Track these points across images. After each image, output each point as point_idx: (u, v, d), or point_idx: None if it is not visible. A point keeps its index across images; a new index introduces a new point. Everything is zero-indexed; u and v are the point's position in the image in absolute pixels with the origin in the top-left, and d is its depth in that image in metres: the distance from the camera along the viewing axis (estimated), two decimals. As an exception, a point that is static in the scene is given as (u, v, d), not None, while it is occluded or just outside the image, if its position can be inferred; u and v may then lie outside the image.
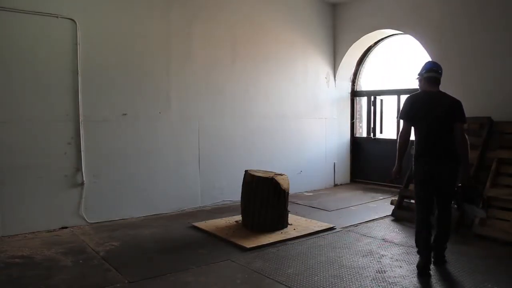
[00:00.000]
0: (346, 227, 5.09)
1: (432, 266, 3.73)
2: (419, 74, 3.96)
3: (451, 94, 6.22)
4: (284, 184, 4.88)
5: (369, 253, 4.17)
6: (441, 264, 3.84)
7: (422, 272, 3.62)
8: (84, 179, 5.08)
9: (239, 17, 6.45)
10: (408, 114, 3.82)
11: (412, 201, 5.61)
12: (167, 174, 5.77)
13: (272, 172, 5.15)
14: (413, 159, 3.81)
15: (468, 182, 3.72)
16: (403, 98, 7.21)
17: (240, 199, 5.11)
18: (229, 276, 3.59)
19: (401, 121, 3.96)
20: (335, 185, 7.89)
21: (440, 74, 3.90)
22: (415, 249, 3.83)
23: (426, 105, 3.78)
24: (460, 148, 3.65)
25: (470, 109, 5.69)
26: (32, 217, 4.76)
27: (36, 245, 4.36)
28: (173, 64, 5.78)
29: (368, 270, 3.74)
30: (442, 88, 6.50)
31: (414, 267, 3.82)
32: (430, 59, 6.29)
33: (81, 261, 3.91)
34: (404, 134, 3.82)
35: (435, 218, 3.81)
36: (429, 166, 3.69)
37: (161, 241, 4.55)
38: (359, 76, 8.13)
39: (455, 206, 3.89)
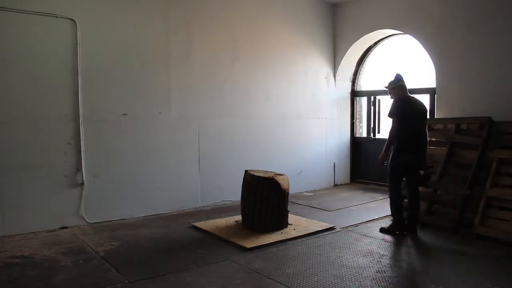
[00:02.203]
0: (346, 227, 5.09)
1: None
2: (392, 83, 4.90)
3: (451, 94, 6.40)
4: (284, 184, 4.88)
5: (369, 253, 4.17)
6: (415, 233, 4.74)
7: (395, 232, 4.75)
8: (84, 179, 5.09)
9: (239, 17, 6.45)
10: (401, 114, 4.66)
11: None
12: (167, 174, 5.77)
13: (272, 172, 5.15)
14: (394, 150, 4.69)
15: (426, 165, 4.84)
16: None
17: (240, 199, 5.11)
18: (229, 276, 3.59)
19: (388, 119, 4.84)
20: (335, 185, 7.89)
21: None
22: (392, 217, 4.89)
23: (411, 107, 4.73)
24: (426, 141, 4.81)
25: (470, 109, 5.74)
26: (32, 217, 4.76)
27: (36, 245, 4.36)
28: (173, 64, 5.78)
29: (368, 270, 3.74)
30: (443, 87, 6.58)
31: (414, 267, 3.82)
32: (430, 59, 6.32)
33: (81, 261, 3.91)
34: (396, 130, 4.64)
35: (408, 195, 4.83)
36: (411, 156, 4.67)
37: (161, 241, 4.55)
38: (359, 76, 8.13)
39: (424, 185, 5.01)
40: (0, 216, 4.57)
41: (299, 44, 7.25)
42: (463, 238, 4.63)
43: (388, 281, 3.50)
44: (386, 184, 7.28)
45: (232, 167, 6.30)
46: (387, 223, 5.27)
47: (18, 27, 4.63)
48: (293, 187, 5.79)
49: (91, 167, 5.15)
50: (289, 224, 5.04)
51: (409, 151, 4.65)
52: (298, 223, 5.14)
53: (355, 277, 3.58)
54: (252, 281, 3.49)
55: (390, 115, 4.74)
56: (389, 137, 4.71)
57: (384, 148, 4.77)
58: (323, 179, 7.70)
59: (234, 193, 5.86)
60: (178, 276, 3.58)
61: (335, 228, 5.01)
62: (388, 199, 6.06)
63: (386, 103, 7.66)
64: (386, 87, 4.98)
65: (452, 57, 6.02)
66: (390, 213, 5.56)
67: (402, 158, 4.67)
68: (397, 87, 4.85)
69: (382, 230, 4.89)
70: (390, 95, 4.94)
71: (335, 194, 7.10)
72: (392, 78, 4.94)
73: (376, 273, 3.66)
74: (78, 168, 5.06)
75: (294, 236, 4.66)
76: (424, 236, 4.74)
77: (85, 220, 5.10)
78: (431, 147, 5.76)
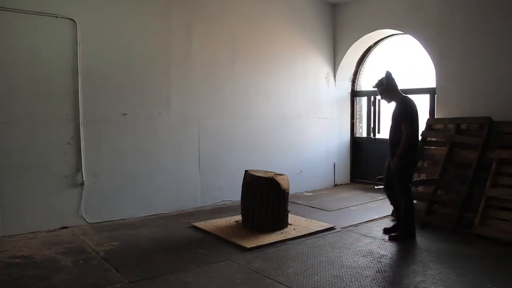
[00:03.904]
0: (346, 227, 5.09)
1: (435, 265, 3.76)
2: (384, 84, 4.54)
3: (451, 94, 6.38)
4: (284, 184, 4.88)
5: (369, 253, 4.17)
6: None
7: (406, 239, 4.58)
8: (84, 179, 5.09)
9: (239, 17, 6.45)
10: (413, 117, 4.48)
11: (414, 201, 5.62)
12: (167, 174, 5.77)
13: (272, 172, 5.15)
14: (407, 154, 4.41)
15: None
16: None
17: (240, 199, 5.11)
18: (229, 276, 3.59)
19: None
20: (335, 185, 7.89)
21: None
22: (415, 227, 4.70)
23: (416, 109, 4.55)
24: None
25: (470, 109, 5.75)
26: (32, 217, 4.76)
27: (36, 245, 4.36)
28: (173, 64, 5.78)
29: (368, 270, 3.74)
30: (443, 87, 6.56)
31: (414, 267, 3.82)
32: (430, 59, 6.32)
33: (81, 261, 3.91)
34: (412, 135, 4.41)
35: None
36: (413, 158, 4.55)
37: (161, 241, 4.56)
38: (359, 76, 8.13)
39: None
40: (0, 216, 4.57)
41: (299, 44, 7.25)
42: (463, 238, 4.63)
43: (388, 281, 3.50)
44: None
45: (232, 167, 6.30)
46: (387, 223, 5.28)
47: (18, 27, 4.63)
48: (293, 187, 5.79)
49: (91, 167, 5.15)
50: (289, 224, 5.04)
51: (413, 153, 4.48)
52: (298, 223, 5.14)
53: (355, 277, 3.58)
54: (252, 281, 3.49)
55: (405, 120, 4.38)
56: (406, 143, 4.35)
57: (401, 155, 4.37)
58: (323, 179, 7.69)
59: (234, 193, 5.86)
60: (178, 276, 3.58)
61: (335, 228, 5.01)
62: (388, 199, 6.08)
63: (386, 103, 7.64)
64: (376, 87, 4.65)
65: (452, 57, 6.02)
66: (391, 214, 5.58)
67: (414, 161, 4.55)
68: (390, 87, 4.53)
69: (392, 238, 4.59)
70: (382, 96, 4.66)
71: (335, 194, 7.10)
72: (381, 77, 4.61)
73: (376, 273, 3.66)
74: (78, 168, 5.06)
75: (294, 236, 4.66)
76: (424, 236, 4.74)
77: (85, 220, 5.10)
78: (432, 147, 5.77)
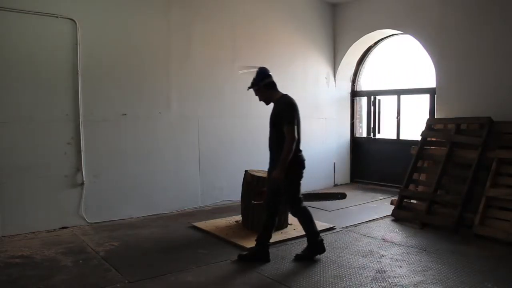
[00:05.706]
0: (346, 227, 5.09)
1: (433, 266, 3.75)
2: (258, 84, 4.00)
3: (451, 94, 6.35)
4: (284, 184, 4.87)
5: (369, 253, 4.17)
6: (323, 250, 4.04)
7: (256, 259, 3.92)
8: (84, 179, 5.09)
9: (239, 17, 6.45)
10: (297, 120, 3.91)
11: (413, 201, 5.62)
12: (167, 174, 5.77)
13: (272, 172, 5.14)
14: (291, 162, 3.78)
15: None
16: (403, 98, 7.23)
17: (240, 199, 5.11)
18: (229, 276, 3.59)
19: (294, 124, 3.91)
20: (335, 185, 7.89)
21: None
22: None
23: (297, 108, 3.96)
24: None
25: (470, 109, 5.74)
26: (32, 217, 4.76)
27: (36, 245, 4.36)
28: (173, 64, 5.78)
29: (368, 270, 3.74)
30: (443, 87, 6.54)
31: (414, 267, 3.82)
32: (430, 59, 6.32)
33: (81, 261, 3.91)
34: (295, 140, 3.79)
35: (304, 210, 4.04)
36: (303, 165, 3.96)
37: (161, 241, 4.56)
38: (359, 76, 8.12)
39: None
40: (0, 216, 4.57)
41: (299, 44, 7.25)
42: (463, 238, 4.63)
43: (388, 281, 3.50)
44: (387, 184, 7.33)
45: (232, 167, 6.29)
46: (387, 223, 5.28)
47: (18, 27, 4.63)
48: (293, 187, 5.79)
49: (91, 167, 5.14)
50: (289, 224, 5.04)
51: (299, 161, 3.91)
52: (298, 223, 5.13)
53: (355, 277, 3.58)
54: (252, 281, 3.49)
55: (287, 123, 3.81)
56: (290, 150, 3.73)
57: (283, 163, 3.72)
58: (323, 179, 7.68)
59: (234, 193, 5.85)
60: (178, 276, 3.58)
61: (335, 228, 5.01)
62: (389, 199, 6.10)
63: (386, 103, 7.66)
64: (252, 87, 4.08)
65: (452, 57, 6.02)
66: (391, 213, 5.57)
67: (302, 168, 3.94)
68: (263, 86, 3.97)
69: (242, 257, 3.92)
70: (260, 98, 4.10)
71: (335, 194, 7.09)
72: (256, 74, 4.07)
73: (376, 273, 3.66)
74: (78, 168, 5.06)
75: (294, 236, 4.66)
76: (424, 236, 4.74)
77: (85, 220, 5.10)
78: (432, 147, 5.77)
